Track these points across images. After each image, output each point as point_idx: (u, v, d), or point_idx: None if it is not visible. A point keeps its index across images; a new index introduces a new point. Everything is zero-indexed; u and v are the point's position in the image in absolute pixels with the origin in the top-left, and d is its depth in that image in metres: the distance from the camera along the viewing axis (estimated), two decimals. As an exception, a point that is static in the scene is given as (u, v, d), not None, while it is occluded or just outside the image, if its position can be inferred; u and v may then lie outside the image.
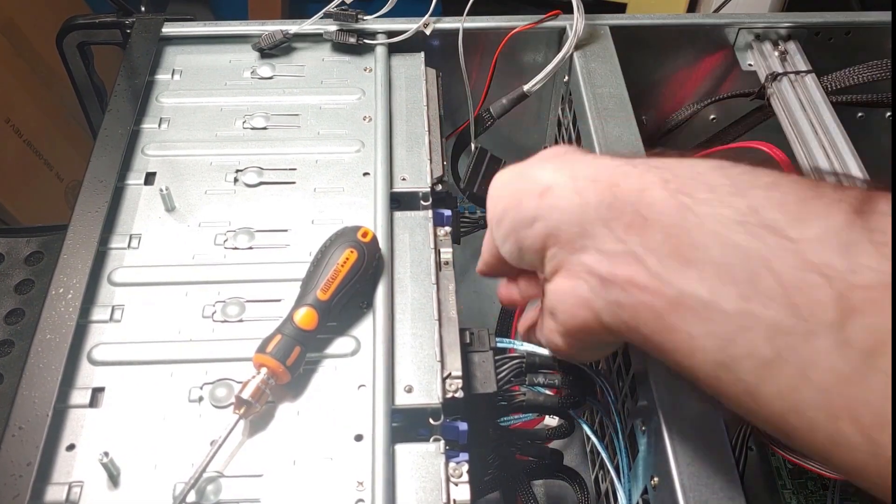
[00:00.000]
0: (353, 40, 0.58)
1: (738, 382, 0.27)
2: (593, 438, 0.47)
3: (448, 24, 0.62)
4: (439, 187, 0.52)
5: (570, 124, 0.61)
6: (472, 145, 0.55)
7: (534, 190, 0.34)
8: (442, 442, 0.40)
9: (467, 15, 0.59)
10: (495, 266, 0.41)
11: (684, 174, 0.30)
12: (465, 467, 0.40)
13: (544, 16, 0.60)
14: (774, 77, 0.62)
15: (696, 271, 0.28)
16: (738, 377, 0.27)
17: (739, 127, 0.65)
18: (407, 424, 0.41)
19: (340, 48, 0.61)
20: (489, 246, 0.41)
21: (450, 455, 0.40)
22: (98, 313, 0.45)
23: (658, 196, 0.30)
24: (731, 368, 0.27)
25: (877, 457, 0.23)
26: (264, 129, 0.55)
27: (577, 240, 0.33)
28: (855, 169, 0.54)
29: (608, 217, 0.31)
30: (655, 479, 0.38)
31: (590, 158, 0.35)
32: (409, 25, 0.60)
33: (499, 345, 0.46)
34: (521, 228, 0.35)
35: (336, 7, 0.58)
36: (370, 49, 0.59)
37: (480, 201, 0.55)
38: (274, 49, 0.60)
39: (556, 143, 0.59)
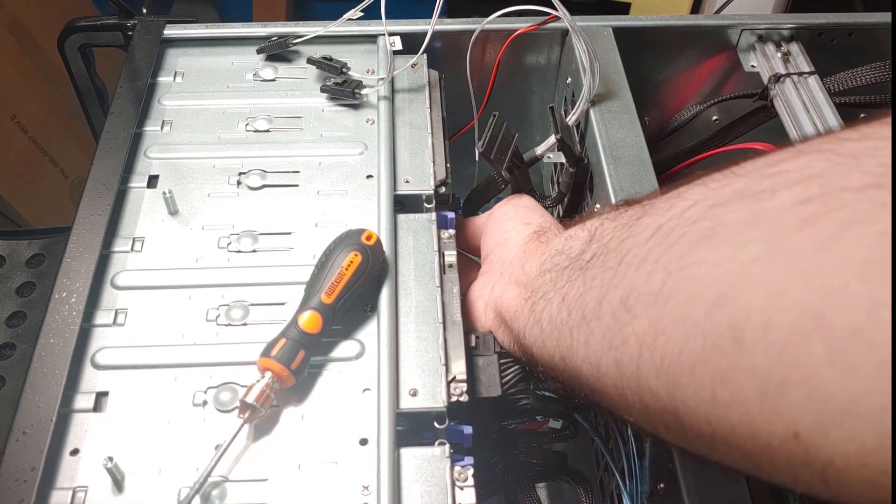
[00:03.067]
0: (351, 100, 0.56)
1: (532, 315, 0.38)
2: (597, 441, 0.47)
3: (453, 26, 0.61)
4: (443, 189, 0.51)
5: (574, 126, 0.61)
6: (477, 150, 0.54)
7: (523, 220, 0.50)
8: (447, 445, 0.40)
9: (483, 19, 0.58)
10: None
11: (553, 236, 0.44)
12: (471, 471, 0.40)
13: (547, 17, 0.60)
14: (777, 78, 0.62)
15: (541, 262, 0.41)
16: (534, 312, 0.38)
17: (742, 127, 0.65)
18: (412, 428, 0.41)
19: (344, 49, 0.61)
20: None
21: (455, 459, 0.40)
22: (101, 317, 0.45)
23: (553, 231, 0.46)
24: (532, 309, 0.39)
25: (566, 324, 0.34)
26: (267, 131, 0.55)
27: (510, 255, 0.47)
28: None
29: (528, 245, 0.46)
30: (661, 484, 0.38)
31: (557, 224, 0.48)
32: (414, 27, 0.60)
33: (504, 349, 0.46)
34: (496, 234, 0.51)
35: (322, 58, 0.58)
36: (367, 101, 0.57)
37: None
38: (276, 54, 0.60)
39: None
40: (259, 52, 0.60)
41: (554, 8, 0.56)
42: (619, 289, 0.29)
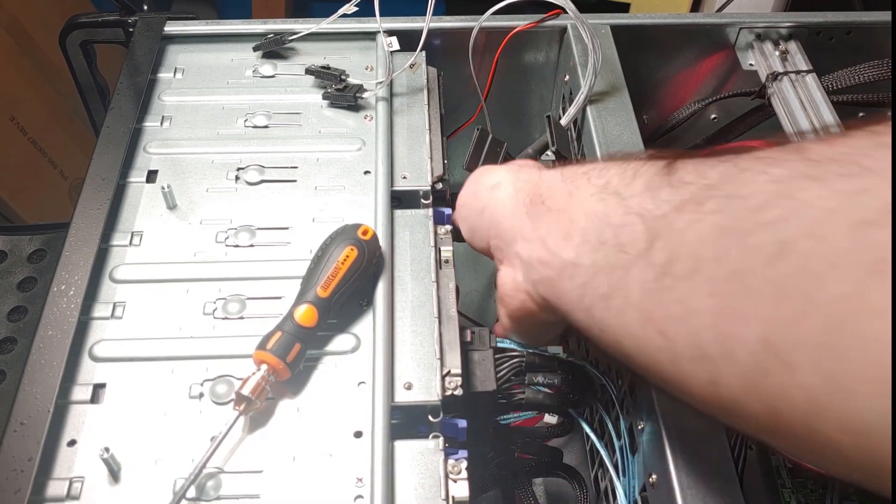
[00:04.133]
0: (351, 102, 0.56)
1: (594, 321, 0.33)
2: (592, 437, 0.47)
3: (451, 23, 0.62)
4: (440, 185, 0.52)
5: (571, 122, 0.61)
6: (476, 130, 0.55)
7: (487, 184, 0.43)
8: (441, 439, 0.40)
9: (479, 17, 0.59)
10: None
11: (577, 171, 0.37)
12: (464, 464, 0.40)
13: (545, 15, 0.60)
14: (775, 77, 0.62)
15: (571, 240, 0.34)
16: (594, 318, 0.33)
17: (740, 126, 0.65)
18: (406, 421, 0.41)
19: (342, 46, 0.61)
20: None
21: (449, 452, 0.40)
22: (99, 310, 0.45)
23: (556, 188, 0.37)
24: (590, 313, 0.33)
25: (666, 350, 0.28)
26: (266, 127, 0.56)
27: (510, 231, 0.40)
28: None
29: (531, 210, 0.38)
30: (654, 476, 0.39)
31: (535, 167, 0.41)
32: (411, 24, 0.60)
33: (499, 344, 0.46)
34: (474, 215, 0.44)
35: (320, 67, 0.58)
36: (367, 105, 0.57)
37: None
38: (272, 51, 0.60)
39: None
40: (255, 49, 0.60)
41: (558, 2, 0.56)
42: (751, 324, 0.25)
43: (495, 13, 0.57)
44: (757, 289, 0.25)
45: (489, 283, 0.72)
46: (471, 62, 0.58)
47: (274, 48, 0.60)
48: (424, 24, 0.55)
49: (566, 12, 0.55)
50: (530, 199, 0.38)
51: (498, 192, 0.41)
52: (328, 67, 0.58)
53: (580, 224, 0.34)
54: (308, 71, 0.58)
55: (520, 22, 0.60)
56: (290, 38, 0.60)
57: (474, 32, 0.58)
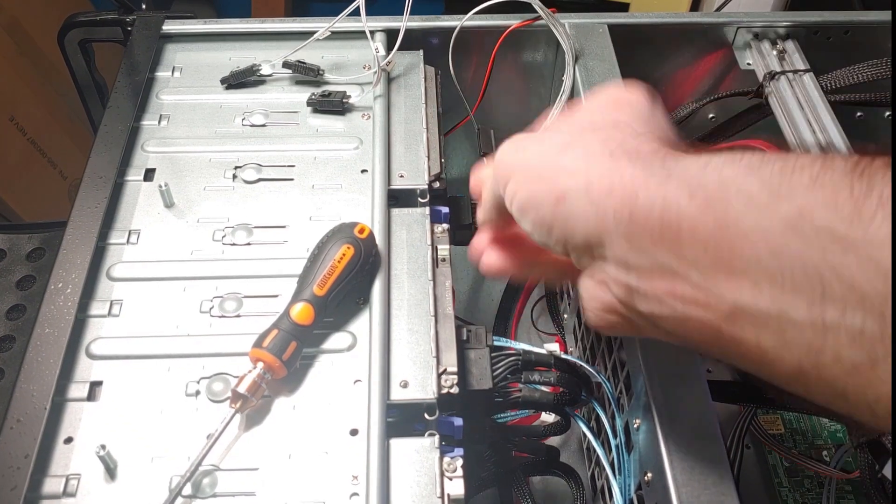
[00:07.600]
0: (337, 108, 0.56)
1: (824, 384, 0.27)
2: (589, 435, 0.47)
3: (445, 22, 0.62)
4: (437, 184, 0.52)
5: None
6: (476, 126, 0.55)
7: (550, 195, 0.33)
8: (437, 437, 0.40)
9: (463, 16, 0.59)
10: (497, 222, 0.41)
11: (710, 184, 0.29)
12: (460, 462, 0.40)
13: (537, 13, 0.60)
14: (772, 76, 0.62)
15: (750, 282, 0.27)
16: (824, 379, 0.27)
17: (737, 125, 0.65)
18: (402, 419, 0.41)
19: (339, 44, 0.61)
20: (495, 202, 0.39)
21: (444, 450, 0.40)
22: (97, 308, 0.45)
23: (686, 211, 0.29)
24: (819, 372, 0.27)
25: None
26: (263, 126, 0.56)
27: (597, 248, 0.32)
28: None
29: (629, 231, 0.30)
30: (649, 474, 0.39)
31: (607, 160, 0.32)
32: (408, 23, 0.60)
33: (496, 343, 0.46)
34: (541, 229, 0.35)
35: (296, 62, 0.57)
36: (363, 96, 0.57)
37: None
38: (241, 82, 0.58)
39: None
40: (222, 81, 0.58)
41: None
42: None
43: (482, 12, 0.57)
44: None
45: (478, 281, 0.72)
46: (450, 61, 0.58)
47: (242, 79, 0.58)
48: (402, 23, 0.56)
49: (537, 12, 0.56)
50: (627, 218, 0.31)
51: (566, 208, 0.33)
52: (304, 62, 0.58)
53: (766, 265, 0.27)
54: (286, 64, 0.58)
55: (515, 21, 0.60)
56: (258, 70, 0.58)
57: (455, 34, 0.58)
